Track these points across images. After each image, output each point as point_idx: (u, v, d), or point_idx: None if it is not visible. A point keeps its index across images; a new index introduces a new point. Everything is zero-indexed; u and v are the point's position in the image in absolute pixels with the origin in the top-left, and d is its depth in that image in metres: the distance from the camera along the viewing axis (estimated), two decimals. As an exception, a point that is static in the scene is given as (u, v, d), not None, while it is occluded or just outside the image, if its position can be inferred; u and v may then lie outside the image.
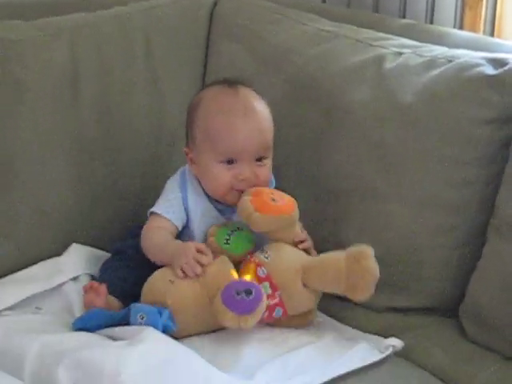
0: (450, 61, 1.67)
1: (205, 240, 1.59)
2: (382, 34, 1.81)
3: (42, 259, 1.70)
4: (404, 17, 2.02)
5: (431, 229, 1.62)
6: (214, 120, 1.60)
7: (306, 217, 1.70)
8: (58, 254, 1.72)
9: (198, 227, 1.63)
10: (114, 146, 1.82)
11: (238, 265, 1.55)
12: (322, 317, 1.62)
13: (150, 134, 1.87)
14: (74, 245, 1.73)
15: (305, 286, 1.53)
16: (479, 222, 1.61)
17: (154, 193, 1.68)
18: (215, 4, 2.01)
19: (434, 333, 1.60)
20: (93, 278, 1.67)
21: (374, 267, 1.50)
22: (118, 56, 1.84)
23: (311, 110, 1.77)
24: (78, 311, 1.58)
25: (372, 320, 1.63)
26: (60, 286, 1.63)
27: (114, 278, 1.61)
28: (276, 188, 1.69)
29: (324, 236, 1.69)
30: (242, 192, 1.58)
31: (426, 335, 1.59)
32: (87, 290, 1.57)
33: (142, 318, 1.45)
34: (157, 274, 1.55)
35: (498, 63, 1.62)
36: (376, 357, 1.49)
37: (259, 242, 1.59)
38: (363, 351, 1.50)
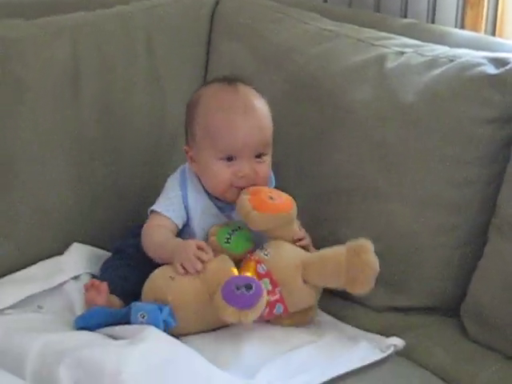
0: (452, 60, 1.67)
1: (205, 238, 1.59)
2: (383, 34, 1.81)
3: (42, 259, 1.70)
4: (405, 16, 2.02)
5: (432, 228, 1.62)
6: (214, 117, 1.60)
7: (307, 216, 1.70)
8: (59, 253, 1.72)
9: (198, 225, 1.63)
10: (115, 146, 1.82)
11: (238, 263, 1.55)
12: (322, 316, 1.62)
13: (151, 133, 1.87)
14: (75, 244, 1.73)
15: (305, 281, 1.53)
16: (480, 221, 1.61)
17: (155, 192, 1.68)
18: (217, 3, 2.01)
19: (435, 332, 1.60)
20: (93, 277, 1.67)
21: (373, 261, 1.50)
22: (120, 55, 1.84)
23: (312, 109, 1.77)
24: (79, 310, 1.58)
25: (373, 319, 1.63)
26: (61, 285, 1.63)
27: (115, 276, 1.61)
28: (276, 187, 1.69)
29: (325, 235, 1.69)
30: (241, 189, 1.58)
31: (428, 335, 1.59)
32: (88, 288, 1.57)
33: (143, 317, 1.45)
34: (157, 271, 1.55)
35: (499, 63, 1.62)
36: (377, 356, 1.49)
37: (259, 241, 1.59)
38: (364, 350, 1.50)
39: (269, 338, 1.51)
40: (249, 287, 1.44)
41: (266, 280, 1.51)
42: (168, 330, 1.46)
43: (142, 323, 1.45)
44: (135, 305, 1.49)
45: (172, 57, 1.91)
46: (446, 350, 1.54)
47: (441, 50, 1.72)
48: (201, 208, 1.63)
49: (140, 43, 1.88)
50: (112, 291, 1.57)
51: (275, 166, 1.70)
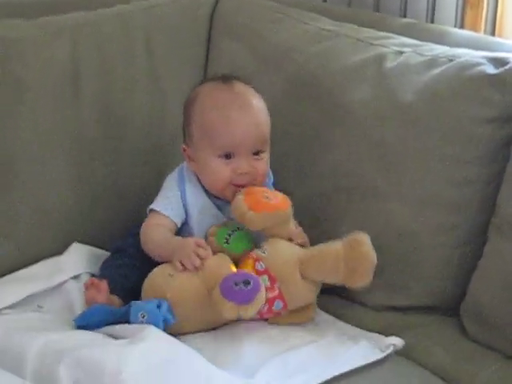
0: (451, 60, 1.67)
1: (204, 236, 1.60)
2: (382, 33, 1.81)
3: (42, 259, 1.70)
4: (405, 16, 2.02)
5: (432, 228, 1.62)
6: (210, 115, 1.61)
7: (307, 215, 1.70)
8: (59, 253, 1.72)
9: (196, 223, 1.64)
10: (115, 146, 1.82)
11: (237, 263, 1.55)
12: (321, 314, 1.62)
13: (151, 133, 1.87)
14: (75, 244, 1.74)
15: (303, 277, 1.54)
16: (480, 220, 1.61)
17: (155, 192, 1.68)
18: (216, 3, 2.01)
19: (434, 332, 1.60)
20: (93, 276, 1.66)
21: (371, 253, 1.51)
22: (119, 55, 1.84)
23: (312, 108, 1.77)
24: (79, 309, 1.57)
25: (372, 319, 1.63)
26: (61, 284, 1.63)
27: (115, 275, 1.61)
28: (276, 186, 1.70)
29: (324, 234, 1.68)
30: (240, 186, 1.59)
31: (427, 334, 1.59)
32: (88, 286, 1.57)
33: (143, 317, 1.45)
34: (156, 270, 1.55)
35: (498, 62, 1.62)
36: (377, 355, 1.49)
37: (258, 241, 1.59)
38: (364, 350, 1.50)
39: (268, 337, 1.51)
40: (247, 282, 1.45)
41: (265, 277, 1.52)
42: (167, 327, 1.46)
43: (141, 323, 1.45)
44: (135, 304, 1.49)
45: (172, 57, 1.91)
46: (446, 350, 1.54)
47: (440, 49, 1.72)
48: (199, 206, 1.64)
49: (140, 43, 1.88)
50: (112, 290, 1.57)
51: (275, 165, 1.70)
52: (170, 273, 1.53)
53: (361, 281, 1.51)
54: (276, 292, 1.52)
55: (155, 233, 1.61)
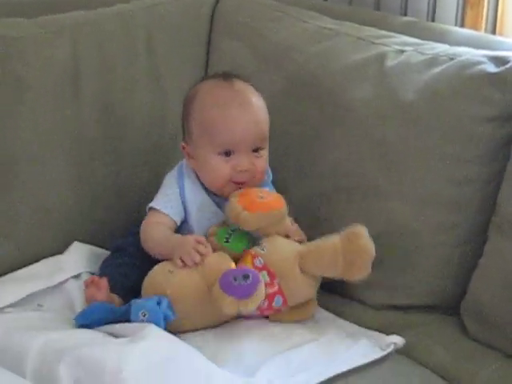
0: (452, 59, 1.67)
1: (203, 234, 1.60)
2: (383, 32, 1.81)
3: (42, 258, 1.70)
4: (406, 14, 2.02)
5: (433, 226, 1.62)
6: (210, 113, 1.61)
7: (307, 215, 1.71)
8: (59, 252, 1.72)
9: (196, 221, 1.64)
10: (115, 145, 1.82)
11: (236, 261, 1.55)
12: (322, 312, 1.62)
13: (151, 132, 1.87)
14: (75, 243, 1.74)
15: (302, 272, 1.54)
16: (481, 219, 1.61)
17: (155, 191, 1.68)
18: (217, 2, 2.01)
19: (435, 331, 1.60)
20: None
21: (369, 245, 1.51)
22: (120, 53, 1.84)
23: (312, 107, 1.77)
24: (80, 308, 1.57)
25: (373, 318, 1.63)
26: (61, 283, 1.64)
27: (115, 274, 1.61)
28: (276, 185, 1.71)
29: (324, 234, 1.68)
30: (240, 184, 1.60)
31: (427, 333, 1.59)
32: (88, 284, 1.57)
33: (144, 315, 1.45)
34: (157, 267, 1.56)
35: (499, 61, 1.62)
36: (377, 354, 1.49)
37: (258, 240, 1.59)
38: (365, 348, 1.50)
39: (269, 336, 1.51)
40: (246, 277, 1.45)
41: (264, 272, 1.52)
42: (167, 323, 1.46)
43: (142, 321, 1.45)
44: (136, 302, 1.49)
45: (172, 56, 1.91)
46: (446, 349, 1.54)
47: (441, 48, 1.72)
48: (198, 203, 1.64)
49: (140, 42, 1.88)
50: (112, 289, 1.57)
51: (275, 165, 1.70)
52: (169, 269, 1.53)
53: (359, 274, 1.51)
54: (276, 288, 1.52)
55: (155, 231, 1.61)
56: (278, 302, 1.53)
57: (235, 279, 1.45)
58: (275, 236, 1.58)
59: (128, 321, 1.47)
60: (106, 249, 1.74)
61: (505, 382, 1.47)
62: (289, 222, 1.61)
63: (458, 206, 1.61)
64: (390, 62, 1.71)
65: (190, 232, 1.63)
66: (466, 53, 1.67)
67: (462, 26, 1.95)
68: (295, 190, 1.76)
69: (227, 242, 1.57)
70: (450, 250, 1.63)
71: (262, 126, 1.63)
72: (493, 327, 1.54)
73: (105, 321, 1.50)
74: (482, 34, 1.88)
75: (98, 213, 1.79)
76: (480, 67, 1.61)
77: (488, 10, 1.93)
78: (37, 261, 1.69)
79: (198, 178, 1.65)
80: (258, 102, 1.64)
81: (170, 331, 1.45)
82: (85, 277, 1.65)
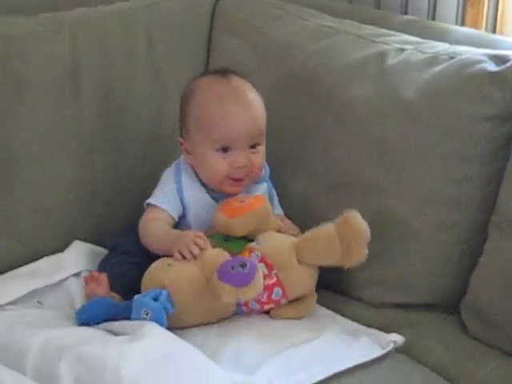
0: (452, 57, 1.67)
1: (201, 230, 1.60)
2: (383, 30, 1.81)
3: (43, 256, 1.70)
4: (406, 13, 2.01)
5: (433, 225, 1.62)
6: (208, 109, 1.62)
7: (306, 213, 1.71)
8: (59, 251, 1.72)
9: (193, 216, 1.65)
10: (115, 143, 1.82)
11: (234, 257, 1.56)
12: (321, 310, 1.62)
13: (151, 128, 1.87)
14: (76, 242, 1.74)
15: (300, 262, 1.55)
16: (480, 218, 1.61)
17: (155, 186, 1.69)
18: (217, 0, 2.00)
19: (435, 329, 1.60)
20: (93, 273, 1.67)
21: (363, 226, 1.52)
22: (120, 51, 1.84)
23: (312, 105, 1.77)
24: (80, 305, 1.57)
25: (373, 316, 1.63)
26: (62, 281, 1.64)
27: (113, 273, 1.61)
28: (275, 183, 1.72)
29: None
30: (237, 180, 1.61)
31: (427, 331, 1.59)
32: (88, 280, 1.58)
33: (147, 314, 1.45)
34: (156, 263, 1.56)
35: (499, 60, 1.62)
36: (377, 352, 1.49)
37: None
38: (365, 347, 1.50)
39: (269, 334, 1.51)
40: (243, 265, 1.46)
41: (262, 265, 1.53)
42: (167, 317, 1.45)
43: (144, 319, 1.45)
44: (138, 299, 1.48)
45: (172, 53, 1.91)
46: (446, 347, 1.54)
47: (441, 47, 1.72)
48: (196, 199, 1.65)
49: (140, 40, 1.88)
50: (111, 288, 1.57)
51: (274, 162, 1.70)
52: (168, 263, 1.54)
53: (357, 256, 1.52)
54: (274, 279, 1.53)
55: (154, 226, 1.62)
56: (277, 293, 1.54)
57: (233, 268, 1.45)
58: (269, 231, 1.59)
59: (128, 318, 1.47)
60: (106, 247, 1.74)
61: (504, 380, 1.47)
62: (278, 220, 1.63)
63: (458, 205, 1.61)
64: (391, 61, 1.71)
65: (188, 228, 1.64)
66: (467, 51, 1.67)
67: (463, 24, 1.95)
68: (295, 187, 1.76)
69: (226, 241, 1.58)
70: (449, 248, 1.63)
71: (259, 122, 1.63)
72: (493, 326, 1.54)
73: (105, 316, 1.50)
74: (482, 33, 1.88)
75: (98, 209, 1.80)
76: (480, 66, 1.61)
77: (488, 8, 1.94)
78: (37, 259, 1.69)
79: (195, 173, 1.66)
80: (255, 98, 1.64)
81: (169, 327, 1.45)
82: (85, 275, 1.65)
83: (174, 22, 1.92)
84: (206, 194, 1.65)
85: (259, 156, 1.63)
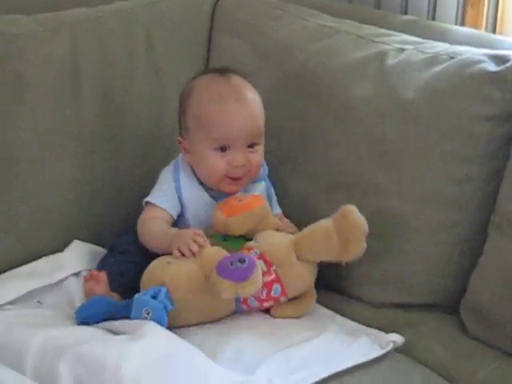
0: (452, 57, 1.67)
1: (200, 228, 1.60)
2: (383, 30, 1.81)
3: (42, 256, 1.70)
4: (406, 13, 2.01)
5: (433, 225, 1.62)
6: (207, 108, 1.62)
7: (306, 212, 1.71)
8: (59, 250, 1.72)
9: (192, 215, 1.65)
10: (115, 142, 1.82)
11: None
12: (321, 309, 1.63)
13: (151, 129, 1.87)
14: (76, 241, 1.74)
15: (298, 258, 1.55)
16: (480, 218, 1.61)
17: (154, 185, 1.69)
18: (217, 0, 2.01)
19: (434, 329, 1.60)
20: (93, 273, 1.67)
21: (361, 220, 1.53)
22: (120, 51, 1.84)
23: (312, 105, 1.77)
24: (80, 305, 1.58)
25: (372, 316, 1.63)
26: (61, 281, 1.64)
27: (112, 273, 1.61)
28: (275, 183, 1.72)
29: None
30: (235, 179, 1.61)
31: (427, 331, 1.59)
32: (87, 278, 1.58)
33: (148, 314, 1.45)
34: (155, 261, 1.56)
35: (499, 60, 1.62)
36: (377, 352, 1.49)
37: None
38: (364, 346, 1.50)
39: (268, 333, 1.51)
40: (242, 261, 1.46)
41: (260, 262, 1.53)
42: (167, 314, 1.45)
43: (145, 318, 1.45)
44: (139, 299, 1.48)
45: (172, 53, 1.91)
46: (446, 347, 1.54)
47: (441, 47, 1.72)
48: (194, 198, 1.65)
49: (140, 40, 1.88)
50: (110, 287, 1.57)
51: (274, 162, 1.70)
52: (168, 261, 1.54)
53: (355, 249, 1.52)
54: (273, 276, 1.53)
55: (152, 225, 1.62)
56: (276, 290, 1.54)
57: (231, 264, 1.46)
58: (268, 230, 1.59)
59: (128, 317, 1.47)
60: (105, 246, 1.74)
61: (504, 380, 1.47)
62: (277, 219, 1.63)
63: (458, 205, 1.61)
64: (391, 61, 1.71)
65: (187, 226, 1.64)
66: (467, 51, 1.67)
67: (463, 24, 1.95)
68: (295, 187, 1.76)
69: (226, 240, 1.59)
70: (449, 248, 1.62)
71: (258, 122, 1.64)
72: (492, 326, 1.54)
73: (105, 315, 1.50)
74: (482, 33, 1.88)
75: (98, 209, 1.80)
76: (480, 66, 1.61)
77: (488, 8, 1.94)
78: (37, 259, 1.69)
79: (193, 172, 1.66)
80: (254, 98, 1.64)
81: (168, 326, 1.45)
82: (85, 275, 1.65)
83: (173, 22, 1.92)
84: (205, 193, 1.65)
85: (257, 155, 1.64)
